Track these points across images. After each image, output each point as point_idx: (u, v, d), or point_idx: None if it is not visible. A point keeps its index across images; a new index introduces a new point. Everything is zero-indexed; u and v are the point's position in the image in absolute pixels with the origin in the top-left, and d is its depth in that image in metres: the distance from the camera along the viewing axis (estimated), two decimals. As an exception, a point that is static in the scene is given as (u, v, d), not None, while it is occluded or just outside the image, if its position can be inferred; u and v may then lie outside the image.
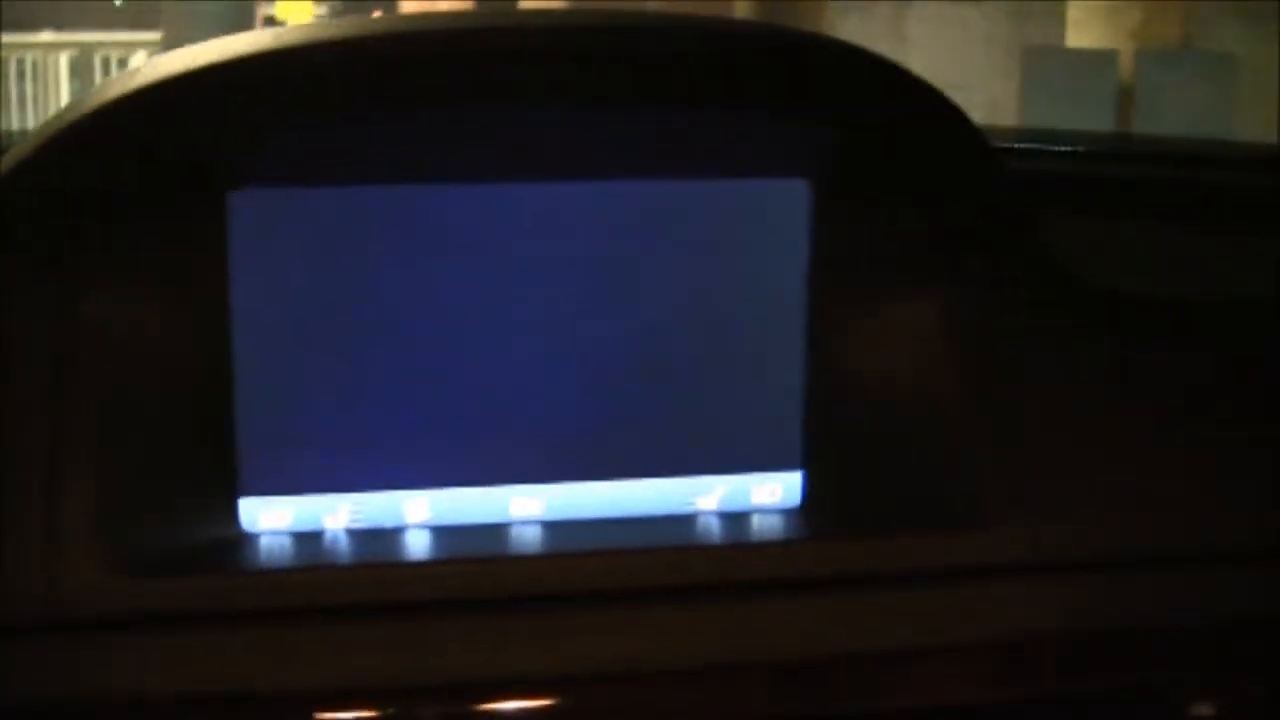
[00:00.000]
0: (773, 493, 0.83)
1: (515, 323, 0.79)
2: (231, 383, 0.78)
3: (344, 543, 0.79)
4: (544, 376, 0.80)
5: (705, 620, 0.76)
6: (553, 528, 0.80)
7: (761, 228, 0.81)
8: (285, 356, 0.78)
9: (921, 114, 0.78)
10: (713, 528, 0.81)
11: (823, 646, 0.76)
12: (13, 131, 0.79)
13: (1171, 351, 0.83)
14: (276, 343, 0.78)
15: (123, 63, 6.28)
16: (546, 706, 0.74)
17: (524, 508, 0.81)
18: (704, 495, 0.82)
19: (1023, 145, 1.15)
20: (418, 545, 0.78)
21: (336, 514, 0.80)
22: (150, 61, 0.73)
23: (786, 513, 0.83)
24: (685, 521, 0.82)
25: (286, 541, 0.78)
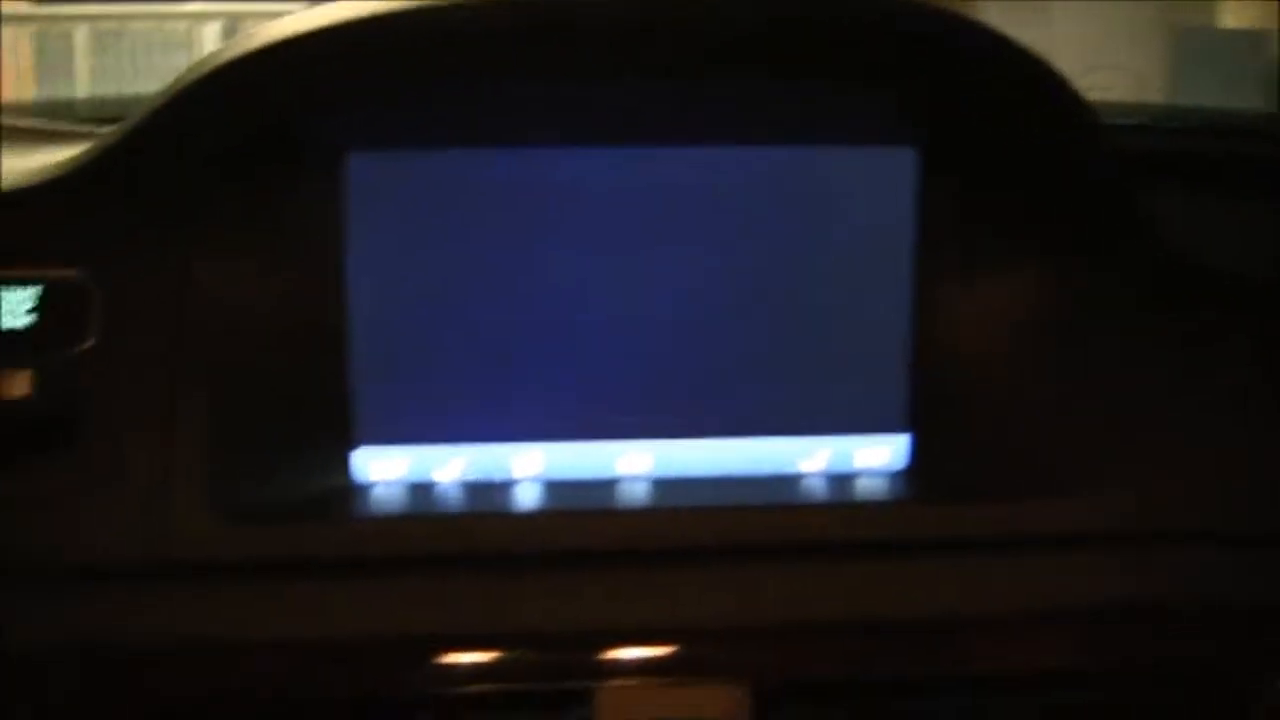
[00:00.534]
0: (877, 455, 0.84)
1: (626, 283, 0.81)
2: (347, 337, 0.80)
3: (455, 494, 0.81)
4: (654, 336, 0.81)
5: (807, 578, 0.77)
6: (660, 484, 0.82)
7: (870, 195, 0.82)
8: (399, 312, 0.80)
9: (1026, 86, 0.78)
10: (817, 488, 0.82)
11: (923, 608, 0.77)
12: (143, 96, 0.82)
13: (1271, 329, 0.82)
14: (391, 298, 0.80)
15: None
16: (651, 658, 0.76)
17: (632, 464, 0.82)
18: (809, 456, 0.83)
19: (1130, 121, 1.14)
20: (527, 498, 0.80)
21: (447, 466, 0.82)
22: (270, 24, 0.76)
23: (890, 475, 0.83)
24: (790, 482, 0.83)
25: (398, 491, 0.81)
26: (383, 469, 0.81)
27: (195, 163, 0.77)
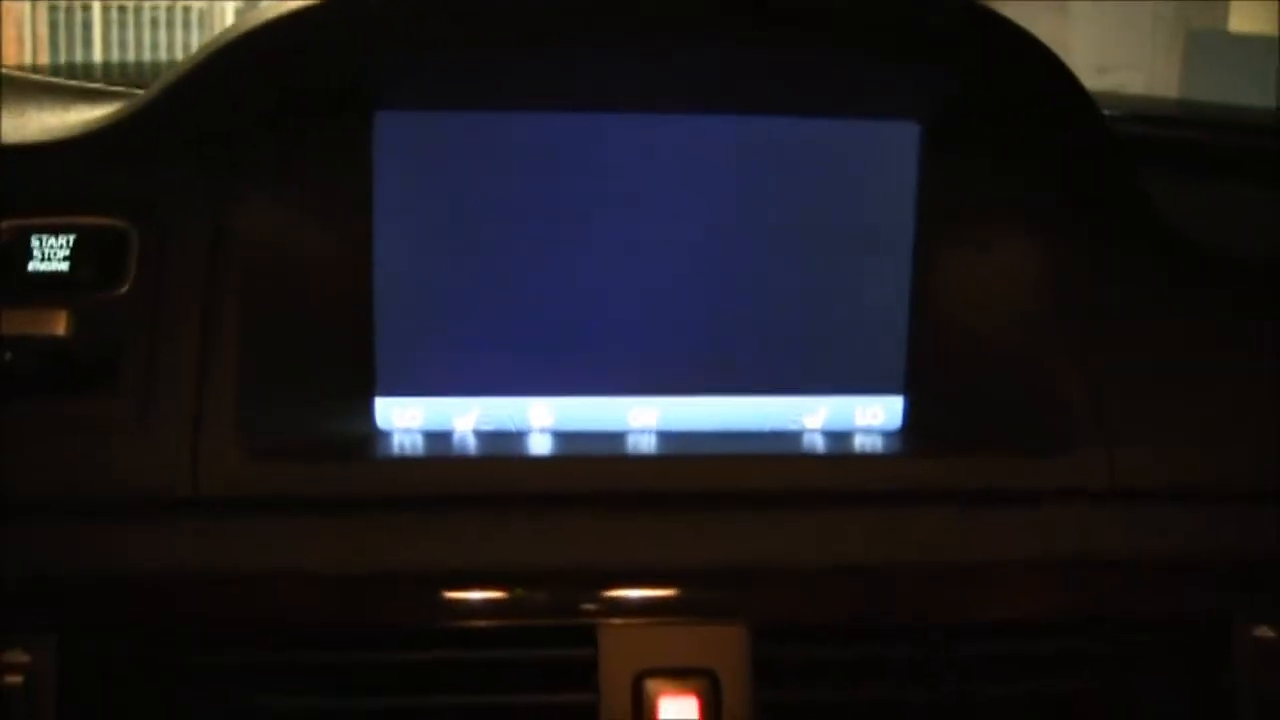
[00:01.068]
0: (875, 415, 0.87)
1: (639, 246, 0.84)
2: (372, 291, 0.84)
3: (471, 441, 0.84)
4: (664, 296, 0.85)
5: (805, 526, 0.80)
6: (667, 437, 0.85)
7: (874, 165, 0.85)
8: (423, 268, 0.84)
9: (1028, 68, 0.82)
10: (817, 443, 0.86)
11: (914, 557, 0.81)
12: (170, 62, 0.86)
13: (1253, 303, 0.86)
14: (415, 255, 0.84)
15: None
16: (654, 598, 0.79)
17: (641, 418, 0.86)
18: (810, 414, 0.87)
19: (1133, 111, 1.19)
20: (539, 446, 0.84)
21: (466, 415, 0.85)
22: None
23: (887, 434, 0.87)
24: (792, 437, 0.86)
25: (418, 439, 0.84)
26: (403, 417, 0.85)
27: (230, 118, 0.80)
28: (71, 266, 0.80)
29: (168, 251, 0.80)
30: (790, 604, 0.79)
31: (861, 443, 0.85)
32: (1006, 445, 0.82)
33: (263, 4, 0.79)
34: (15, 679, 0.75)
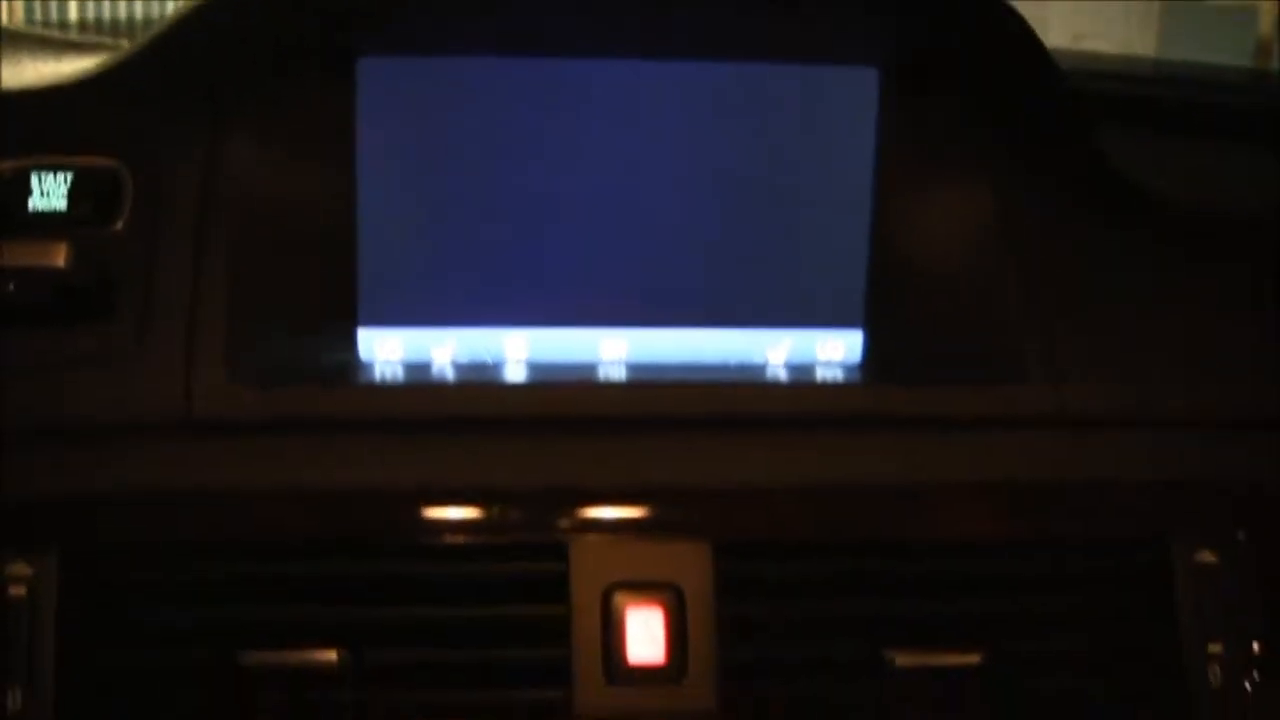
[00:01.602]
0: (835, 349, 0.92)
1: (609, 184, 0.89)
2: (355, 227, 0.88)
3: (449, 370, 0.89)
4: (633, 233, 0.89)
5: (767, 448, 0.85)
6: (636, 368, 0.90)
7: (834, 110, 0.90)
8: (404, 205, 0.88)
9: (983, 15, 0.86)
10: (780, 374, 0.90)
11: (870, 478, 0.85)
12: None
13: (1198, 251, 0.91)
14: (396, 193, 0.88)
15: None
16: (622, 516, 0.84)
17: (611, 349, 0.90)
18: (773, 347, 0.91)
19: (1097, 70, 1.24)
20: (514, 373, 0.88)
21: (444, 346, 0.90)
22: None
23: (847, 366, 0.92)
24: (755, 369, 0.91)
25: (398, 368, 0.89)
26: (384, 349, 0.89)
27: (219, 66, 0.85)
28: (70, 204, 0.84)
29: (160, 190, 0.84)
30: (752, 522, 0.84)
31: (822, 374, 0.90)
32: (959, 375, 0.87)
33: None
34: (19, 590, 0.80)
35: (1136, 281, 0.89)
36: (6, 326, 0.82)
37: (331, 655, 0.80)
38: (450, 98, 0.87)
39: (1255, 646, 0.87)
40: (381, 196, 0.88)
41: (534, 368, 0.89)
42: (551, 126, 0.87)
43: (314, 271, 0.88)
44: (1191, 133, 1.09)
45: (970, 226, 0.90)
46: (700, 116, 0.88)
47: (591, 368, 0.89)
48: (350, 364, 0.88)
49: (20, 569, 0.80)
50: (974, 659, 0.83)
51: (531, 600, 0.82)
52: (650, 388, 0.86)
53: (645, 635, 0.82)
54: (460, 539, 0.83)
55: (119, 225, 0.84)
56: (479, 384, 0.86)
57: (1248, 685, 0.86)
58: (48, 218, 0.84)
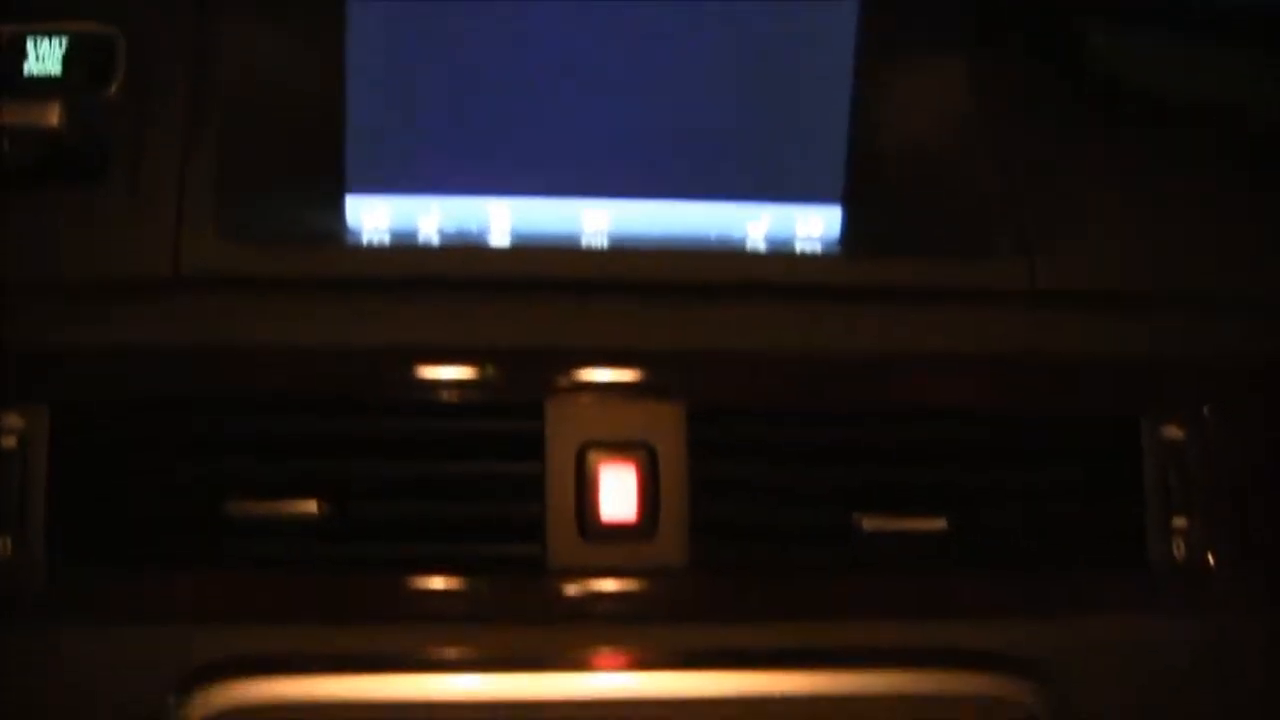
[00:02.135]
0: (814, 224, 0.93)
1: (593, 57, 0.90)
2: (345, 98, 0.90)
3: (435, 235, 0.91)
4: (617, 106, 0.91)
5: (744, 314, 0.87)
6: (618, 238, 0.92)
7: None
8: (393, 77, 0.90)
9: None
10: (760, 245, 0.92)
11: (844, 346, 0.87)
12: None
13: (1170, 134, 0.93)
14: (386, 66, 0.90)
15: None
16: (602, 376, 0.86)
17: (594, 220, 0.92)
18: (754, 220, 0.93)
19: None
20: (499, 240, 0.90)
21: (429, 214, 0.91)
22: None
23: (825, 241, 0.93)
24: (736, 241, 0.92)
25: (385, 233, 0.91)
26: (371, 217, 0.91)
27: None
28: (64, 69, 0.86)
29: (154, 57, 0.86)
30: (726, 386, 0.86)
31: (801, 247, 0.91)
32: (933, 249, 0.88)
33: None
34: (10, 442, 0.82)
35: (1109, 161, 0.91)
36: (2, 184, 0.83)
37: (313, 507, 0.82)
38: None
39: (1219, 522, 0.88)
40: (371, 68, 0.89)
41: (517, 235, 0.90)
42: (537, 3, 0.89)
43: (303, 139, 0.89)
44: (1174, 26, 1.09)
45: (947, 105, 0.91)
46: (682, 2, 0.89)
47: (574, 237, 0.90)
48: (337, 228, 0.89)
49: (12, 421, 0.82)
50: (940, 525, 0.85)
51: (508, 458, 0.84)
52: (630, 253, 0.88)
53: (618, 493, 0.84)
54: (439, 396, 0.85)
55: (112, 90, 0.85)
56: (462, 247, 0.88)
57: (1211, 559, 0.88)
58: (43, 82, 0.85)
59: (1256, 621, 0.88)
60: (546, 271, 0.86)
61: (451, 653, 0.82)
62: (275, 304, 0.84)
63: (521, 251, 0.88)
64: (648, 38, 0.90)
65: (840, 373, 0.86)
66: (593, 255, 0.88)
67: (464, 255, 0.87)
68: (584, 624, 0.83)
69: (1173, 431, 0.87)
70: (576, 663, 0.82)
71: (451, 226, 0.91)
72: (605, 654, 0.82)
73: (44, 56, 0.85)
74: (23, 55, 0.85)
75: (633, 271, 0.86)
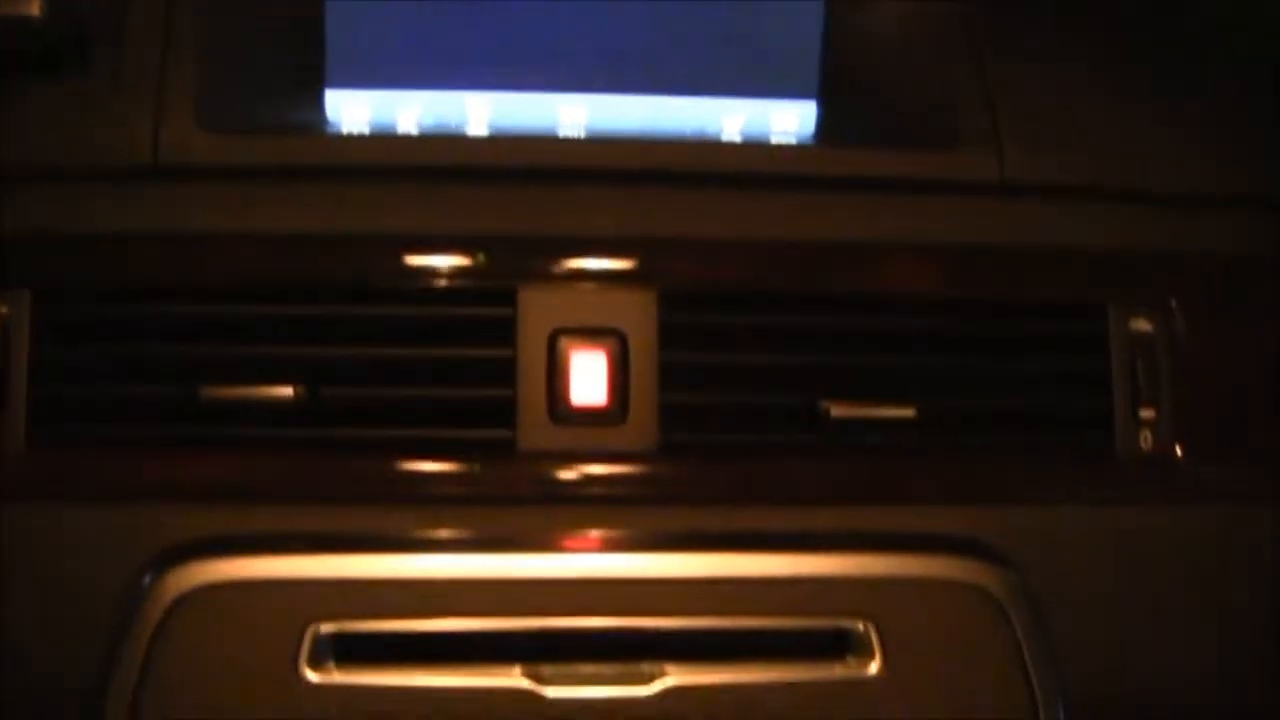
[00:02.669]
0: (790, 119, 0.94)
1: None
2: None
3: (414, 126, 0.92)
4: (595, 4, 0.91)
5: (717, 202, 0.88)
6: (596, 132, 0.92)
7: None
8: None
9: None
10: (735, 138, 0.93)
11: (814, 234, 0.88)
12: None
13: (1140, 26, 0.93)
14: None
15: None
16: (574, 262, 0.87)
17: (571, 115, 0.93)
18: (731, 115, 0.93)
19: None
20: (476, 127, 0.91)
21: (408, 107, 0.92)
22: None
23: (799, 135, 0.94)
24: (712, 135, 0.93)
25: (364, 124, 0.92)
26: (352, 107, 0.92)
27: None
28: None
29: None
30: (698, 273, 0.87)
31: (775, 140, 0.92)
32: (905, 142, 0.89)
33: None
34: None
35: (1080, 57, 0.91)
36: (-17, 73, 0.84)
37: (288, 391, 0.83)
38: None
39: (1186, 414, 0.88)
40: None
41: (495, 129, 0.91)
42: None
43: (283, 35, 0.90)
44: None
45: (912, 10, 0.91)
46: None
47: (551, 130, 0.91)
48: (316, 120, 0.90)
49: None
50: (908, 413, 0.86)
51: (480, 343, 0.85)
52: (605, 143, 0.89)
53: (589, 378, 0.85)
54: (414, 283, 0.86)
55: None
56: (440, 136, 0.89)
57: (1178, 450, 0.89)
58: None
59: (1222, 512, 0.89)
60: (522, 160, 0.87)
61: (422, 533, 0.83)
62: (252, 192, 0.85)
63: (498, 140, 0.89)
64: None
65: (809, 261, 0.87)
66: (568, 144, 0.89)
67: (441, 144, 0.88)
68: (553, 506, 0.84)
69: (1141, 323, 0.88)
70: (545, 544, 0.83)
71: (430, 120, 0.91)
72: (574, 535, 0.83)
73: (26, -52, 0.86)
74: (4, -54, 0.86)
75: (606, 160, 0.87)
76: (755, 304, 0.87)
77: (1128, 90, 0.90)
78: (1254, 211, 0.91)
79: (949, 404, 0.87)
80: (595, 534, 0.84)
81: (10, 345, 0.83)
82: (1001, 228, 0.87)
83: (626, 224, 0.86)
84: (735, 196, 0.87)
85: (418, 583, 0.82)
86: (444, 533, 0.84)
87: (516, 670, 0.83)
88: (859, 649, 0.85)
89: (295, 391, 0.83)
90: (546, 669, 0.83)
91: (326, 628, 0.82)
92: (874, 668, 0.85)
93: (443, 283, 0.85)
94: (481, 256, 0.85)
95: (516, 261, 0.86)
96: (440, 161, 0.86)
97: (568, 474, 0.85)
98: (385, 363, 0.85)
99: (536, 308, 0.85)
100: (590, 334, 0.85)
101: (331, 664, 0.83)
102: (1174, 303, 0.89)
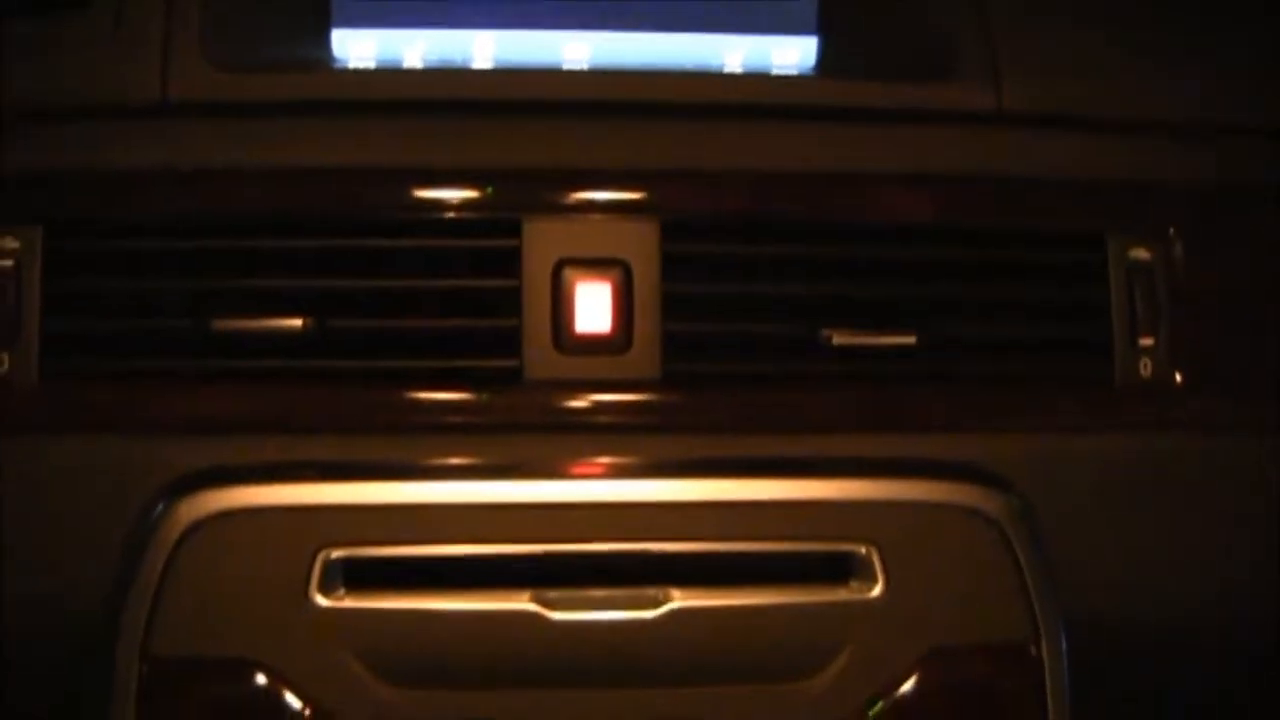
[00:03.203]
0: (790, 53, 0.95)
1: None
2: None
3: (420, 62, 0.93)
4: None
5: (719, 133, 0.89)
6: (599, 67, 0.93)
7: None
8: None
9: None
10: (739, 70, 0.93)
11: (815, 164, 0.89)
12: None
13: None
14: None
15: None
16: (578, 194, 0.88)
17: (574, 53, 0.94)
18: (732, 51, 0.94)
19: None
20: (480, 62, 0.92)
21: (415, 46, 0.93)
22: None
23: (800, 69, 0.95)
24: (714, 69, 0.94)
25: (370, 61, 0.93)
26: (358, 47, 0.93)
27: None
28: None
29: None
30: (699, 203, 0.88)
31: (775, 73, 0.93)
32: (904, 72, 0.90)
33: None
34: (6, 262, 0.85)
35: None
36: (-8, 15, 0.85)
37: (296, 322, 0.84)
38: None
39: (1185, 342, 0.89)
40: None
41: (499, 59, 0.92)
42: None
43: None
44: None
45: None
46: None
47: (555, 66, 0.92)
48: (323, 57, 0.91)
49: (7, 242, 0.85)
50: (909, 340, 0.87)
51: (486, 274, 0.86)
52: (608, 75, 0.90)
53: (593, 308, 0.86)
54: (420, 215, 0.87)
55: None
56: (445, 70, 0.90)
57: (1177, 378, 0.90)
58: None
59: (1221, 440, 0.90)
60: (526, 94, 0.88)
61: (430, 460, 0.84)
62: (260, 127, 0.86)
63: (502, 74, 0.90)
64: None
65: (810, 191, 0.88)
66: (571, 77, 0.90)
67: (446, 78, 0.89)
68: (559, 433, 0.85)
69: (1140, 252, 0.89)
70: (550, 470, 0.84)
71: (437, 56, 0.92)
72: (579, 462, 0.84)
73: (32, -110, 0.87)
74: (12, -112, 0.87)
75: (609, 93, 0.88)
76: (758, 234, 0.87)
77: (1126, 20, 0.91)
78: (1253, 141, 0.92)
79: (950, 332, 0.88)
80: (600, 460, 0.85)
81: (23, 280, 0.85)
82: (1000, 157, 0.88)
83: (629, 156, 0.87)
84: (737, 128, 0.87)
85: (426, 508, 0.83)
86: (451, 460, 0.85)
87: (524, 595, 0.84)
88: (862, 573, 0.86)
89: (304, 323, 0.84)
90: (553, 593, 0.84)
91: (337, 553, 0.83)
92: (877, 591, 0.85)
93: (449, 215, 0.86)
94: (487, 189, 0.86)
95: (521, 193, 0.86)
96: (446, 96, 0.87)
97: (573, 402, 0.86)
98: (392, 294, 0.85)
99: (541, 239, 0.86)
100: (594, 264, 0.86)
101: (342, 589, 0.84)
102: (1173, 232, 0.89)
